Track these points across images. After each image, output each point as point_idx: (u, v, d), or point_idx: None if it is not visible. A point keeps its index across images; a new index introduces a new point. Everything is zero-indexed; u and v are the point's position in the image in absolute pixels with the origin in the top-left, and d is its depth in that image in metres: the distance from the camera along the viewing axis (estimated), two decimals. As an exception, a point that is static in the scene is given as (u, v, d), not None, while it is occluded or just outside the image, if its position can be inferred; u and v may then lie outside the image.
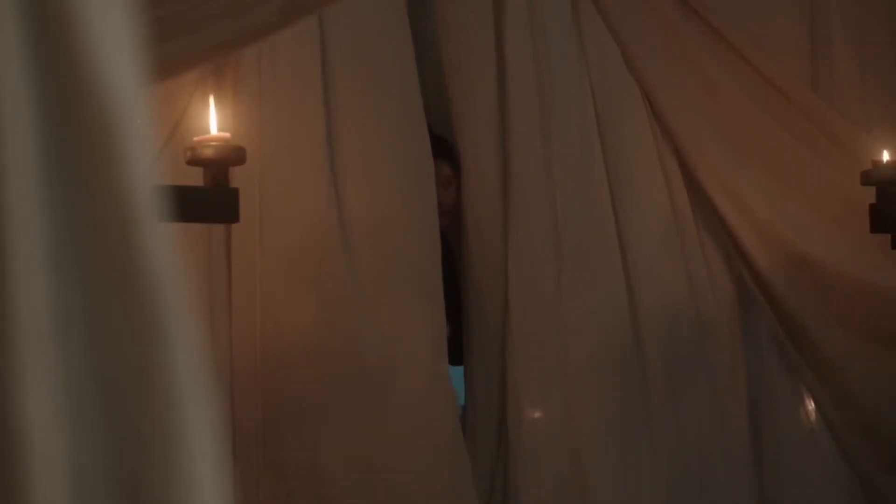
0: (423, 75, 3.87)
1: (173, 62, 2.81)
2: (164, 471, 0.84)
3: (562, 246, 3.91)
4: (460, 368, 3.98)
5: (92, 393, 0.84)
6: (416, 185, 3.77)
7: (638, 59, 4.07)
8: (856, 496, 4.09)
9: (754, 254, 4.06)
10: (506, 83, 3.92)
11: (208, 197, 2.75)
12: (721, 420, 4.01)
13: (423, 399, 3.71)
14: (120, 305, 0.85)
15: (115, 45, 0.85)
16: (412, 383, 3.69)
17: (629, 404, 3.94)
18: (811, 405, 4.12)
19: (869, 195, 3.42)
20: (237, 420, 3.54)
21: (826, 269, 4.04)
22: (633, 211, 4.02)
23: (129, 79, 0.86)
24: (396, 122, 3.78)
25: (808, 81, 4.16)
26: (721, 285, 4.10)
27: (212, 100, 2.91)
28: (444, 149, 3.93)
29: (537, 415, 3.86)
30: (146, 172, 0.86)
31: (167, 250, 0.86)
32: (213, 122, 2.81)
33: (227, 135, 2.81)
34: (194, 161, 2.76)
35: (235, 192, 2.78)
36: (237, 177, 2.91)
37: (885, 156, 3.48)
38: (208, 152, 2.74)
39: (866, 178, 3.43)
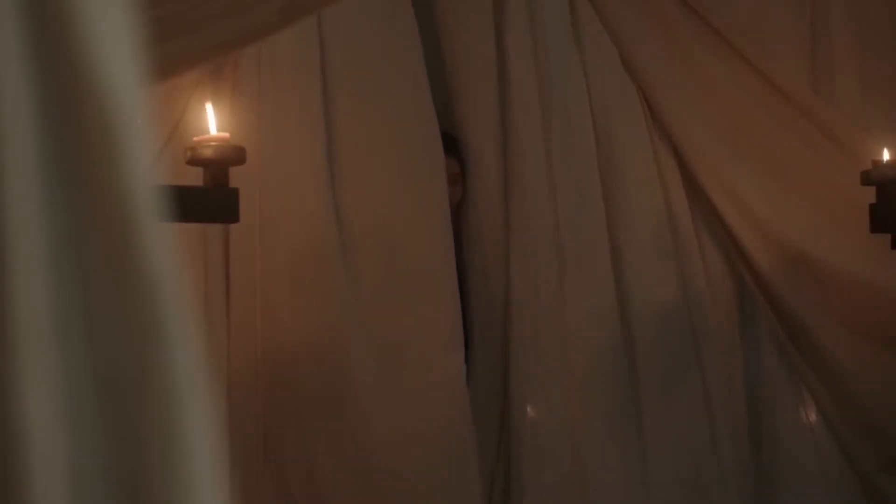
0: (429, 74, 3.87)
1: (173, 62, 2.81)
2: (164, 471, 0.84)
3: (563, 245, 3.91)
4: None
5: (92, 393, 0.84)
6: (425, 184, 3.76)
7: (637, 59, 4.07)
8: (856, 496, 4.09)
9: (754, 254, 4.06)
10: (507, 83, 3.92)
11: (208, 197, 2.76)
12: (721, 420, 4.01)
13: (431, 400, 3.70)
14: (120, 305, 0.85)
15: (115, 45, 0.85)
16: (419, 384, 3.68)
17: (629, 404, 3.94)
18: (811, 405, 4.12)
19: (869, 195, 3.42)
20: (237, 420, 3.54)
21: (826, 269, 4.04)
22: (632, 211, 4.02)
23: (129, 79, 0.86)
24: (401, 121, 3.77)
25: (807, 81, 4.16)
26: (721, 285, 4.10)
27: (211, 100, 2.91)
28: (451, 145, 3.92)
29: (539, 414, 3.86)
30: (146, 172, 0.86)
31: (167, 250, 0.86)
32: (213, 122, 2.81)
33: (226, 135, 2.81)
34: (194, 161, 2.76)
35: (235, 192, 2.78)
36: (237, 177, 2.91)
37: (886, 155, 3.48)
38: (208, 152, 2.75)
39: (866, 178, 3.42)
